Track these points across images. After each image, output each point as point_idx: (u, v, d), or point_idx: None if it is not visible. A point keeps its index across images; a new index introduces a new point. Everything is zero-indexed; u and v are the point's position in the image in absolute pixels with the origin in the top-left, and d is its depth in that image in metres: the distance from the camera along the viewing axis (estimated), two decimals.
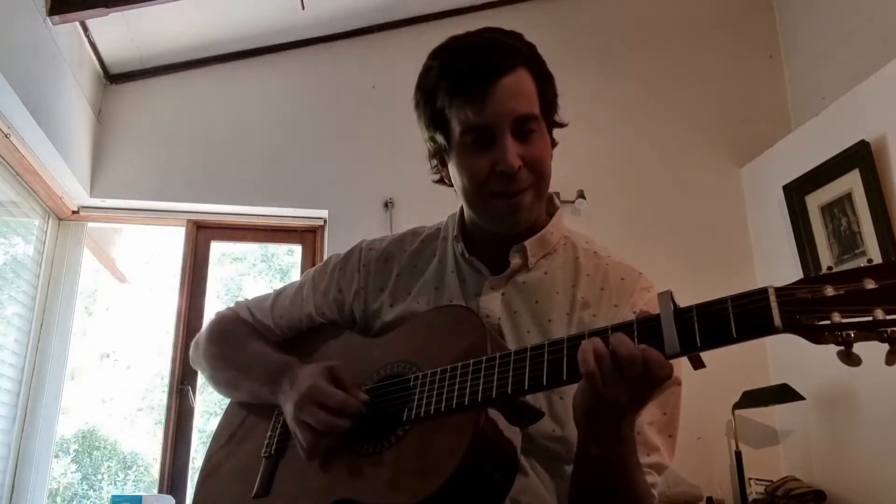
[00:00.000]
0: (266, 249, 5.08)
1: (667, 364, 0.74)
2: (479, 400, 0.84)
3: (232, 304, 1.27)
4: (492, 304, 1.02)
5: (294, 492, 0.98)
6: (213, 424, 1.22)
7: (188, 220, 3.12)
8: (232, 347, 1.18)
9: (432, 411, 0.88)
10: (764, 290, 0.69)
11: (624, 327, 0.78)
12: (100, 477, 4.96)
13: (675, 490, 2.60)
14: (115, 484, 4.89)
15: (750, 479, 2.79)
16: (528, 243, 1.03)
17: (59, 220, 3.00)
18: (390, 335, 1.06)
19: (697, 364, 0.75)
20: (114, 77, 3.08)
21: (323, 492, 0.93)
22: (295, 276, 3.72)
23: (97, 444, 5.00)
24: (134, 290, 4.97)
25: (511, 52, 0.98)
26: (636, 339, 0.76)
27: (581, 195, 3.10)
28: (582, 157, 3.19)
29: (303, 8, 2.88)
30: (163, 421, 2.93)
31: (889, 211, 2.44)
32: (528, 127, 0.96)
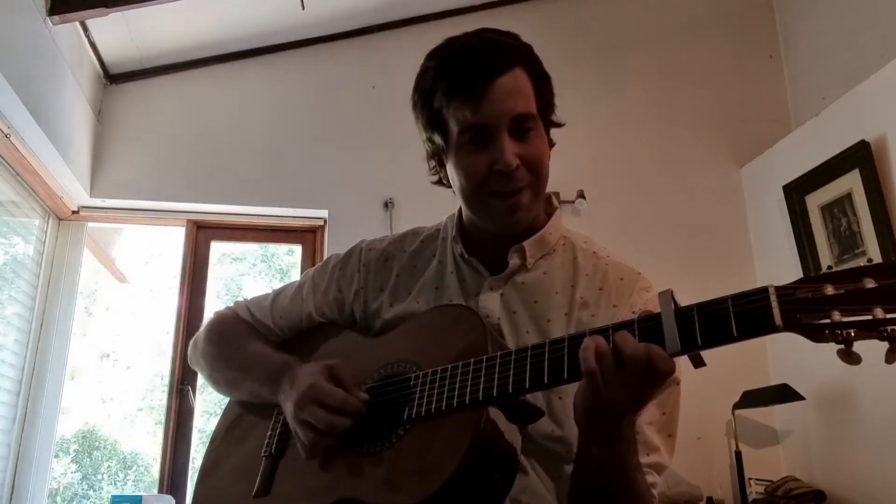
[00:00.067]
0: (266, 249, 5.08)
1: (669, 360, 0.74)
2: (480, 399, 0.85)
3: (231, 304, 1.27)
4: (491, 304, 1.02)
5: (294, 491, 0.98)
6: (213, 424, 1.21)
7: (188, 220, 3.12)
8: (231, 347, 1.17)
9: (433, 410, 0.88)
10: (764, 290, 0.69)
11: (625, 326, 0.78)
12: (100, 477, 4.96)
13: (675, 490, 2.60)
14: (115, 484, 4.89)
15: (750, 479, 2.79)
16: (526, 244, 1.03)
17: (59, 220, 3.00)
18: (390, 335, 1.06)
19: (698, 363, 0.75)
20: (114, 77, 3.08)
21: (323, 491, 0.93)
22: (295, 276, 3.72)
23: (97, 444, 5.00)
24: (134, 290, 4.97)
25: (508, 51, 0.98)
26: (637, 338, 0.76)
27: (581, 195, 3.10)
28: (582, 157, 3.19)
29: (303, 8, 2.89)
30: (163, 421, 2.93)
31: (889, 211, 2.45)
32: (525, 126, 0.97)
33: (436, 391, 0.89)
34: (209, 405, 3.52)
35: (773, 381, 2.89)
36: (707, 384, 2.69)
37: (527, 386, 0.83)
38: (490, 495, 0.86)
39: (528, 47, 1.02)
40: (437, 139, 1.01)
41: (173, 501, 2.60)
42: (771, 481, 2.76)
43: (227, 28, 3.08)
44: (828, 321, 0.66)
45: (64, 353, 2.87)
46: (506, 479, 0.87)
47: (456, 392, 0.87)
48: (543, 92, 1.01)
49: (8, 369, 2.62)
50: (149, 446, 4.84)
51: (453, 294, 1.06)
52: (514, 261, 1.03)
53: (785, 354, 2.96)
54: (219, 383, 1.19)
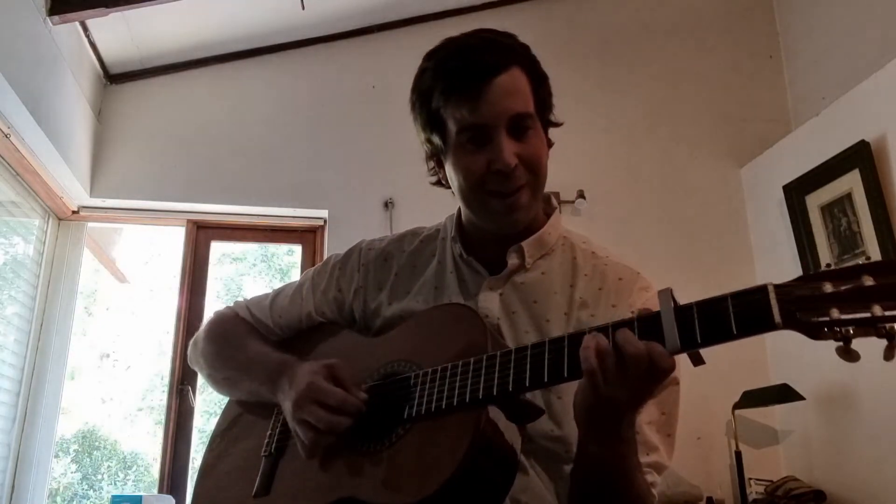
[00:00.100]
0: (266, 249, 5.08)
1: (670, 358, 0.75)
2: (480, 397, 0.85)
3: (231, 304, 1.27)
4: (490, 303, 1.02)
5: (294, 491, 0.98)
6: (213, 424, 1.21)
7: (188, 220, 3.12)
8: (230, 346, 1.18)
9: (433, 409, 0.88)
10: (763, 287, 0.70)
11: (624, 324, 0.78)
12: (100, 477, 4.96)
13: (675, 490, 2.60)
14: (115, 484, 4.89)
15: (750, 479, 2.79)
16: (525, 244, 1.04)
17: (59, 220, 3.00)
18: (390, 334, 1.06)
19: (697, 361, 0.75)
20: (114, 77, 3.08)
21: (323, 490, 0.93)
22: (295, 276, 3.72)
23: (97, 444, 5.00)
24: (134, 290, 4.98)
25: (505, 51, 0.99)
26: (637, 335, 0.76)
27: (581, 195, 3.10)
28: (582, 157, 3.19)
29: (303, 8, 2.89)
30: (163, 421, 2.93)
31: (889, 211, 2.45)
32: (523, 125, 0.97)
33: (436, 390, 0.89)
34: (209, 405, 3.52)
35: (773, 381, 2.89)
36: (707, 384, 2.69)
37: (527, 384, 0.83)
38: (490, 494, 0.86)
39: (526, 47, 1.02)
40: (436, 139, 1.02)
41: (173, 501, 2.60)
42: (771, 481, 2.76)
43: (226, 28, 3.08)
44: (826, 319, 0.66)
45: (64, 353, 2.87)
46: (505, 478, 0.87)
47: (456, 391, 0.87)
48: (541, 91, 1.01)
49: (8, 369, 2.62)
50: (149, 446, 4.84)
51: (453, 294, 1.06)
52: (512, 261, 1.03)
53: (785, 354, 2.96)
54: (218, 383, 1.19)
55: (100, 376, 5.05)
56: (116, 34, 2.85)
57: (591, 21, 3.51)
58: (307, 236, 3.22)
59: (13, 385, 2.66)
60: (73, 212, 3.00)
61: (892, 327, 0.64)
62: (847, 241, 2.64)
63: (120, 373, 5.08)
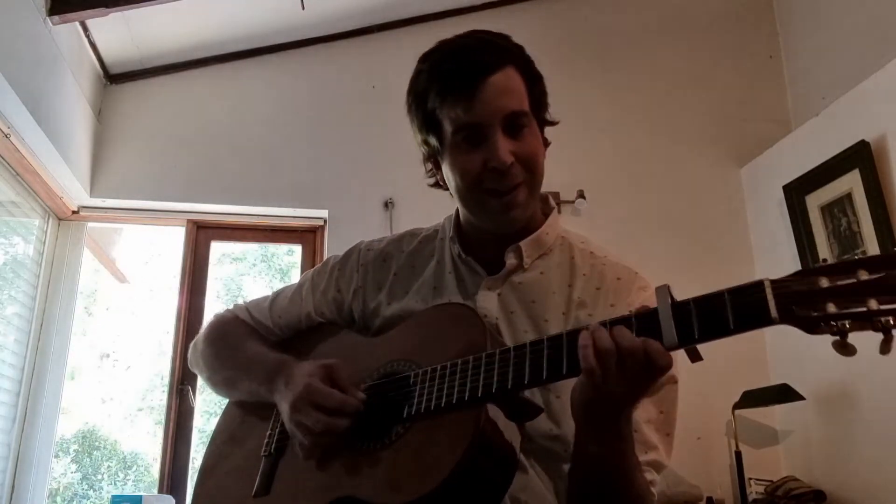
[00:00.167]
0: (266, 249, 5.08)
1: (667, 354, 0.75)
2: (479, 395, 0.85)
3: (231, 305, 1.27)
4: (488, 303, 1.03)
5: (294, 490, 0.98)
6: (213, 424, 1.22)
7: (188, 220, 3.12)
8: (229, 348, 1.18)
9: (432, 407, 0.88)
10: (760, 283, 0.70)
11: (622, 321, 0.79)
12: (100, 477, 4.96)
13: (675, 490, 2.60)
14: (115, 484, 4.89)
15: (750, 479, 2.79)
16: (523, 244, 1.04)
17: (59, 220, 3.00)
18: (390, 333, 1.06)
19: (695, 357, 0.76)
20: (114, 77, 3.08)
21: (323, 490, 0.93)
22: (295, 276, 3.73)
23: (97, 444, 5.00)
24: (134, 290, 4.98)
25: (499, 51, 0.99)
26: (634, 333, 0.77)
27: (581, 195, 3.10)
28: (582, 157, 3.19)
29: (303, 8, 2.89)
30: (163, 421, 2.93)
31: (889, 211, 2.44)
32: (518, 123, 0.98)
33: (435, 389, 0.89)
34: (209, 405, 3.52)
35: (773, 381, 2.89)
36: (707, 384, 2.69)
37: (525, 382, 0.83)
38: (489, 493, 0.86)
39: (520, 47, 1.03)
40: (433, 141, 1.02)
41: (173, 501, 2.60)
42: (771, 481, 2.76)
43: (226, 28, 3.09)
44: (823, 313, 0.67)
45: (64, 353, 2.87)
46: (505, 476, 0.87)
47: (455, 389, 0.87)
48: (536, 90, 1.01)
49: (8, 369, 2.62)
50: (149, 446, 4.84)
51: (451, 294, 1.06)
52: (510, 261, 1.04)
53: (785, 354, 2.96)
54: (217, 384, 1.20)
55: (100, 376, 5.05)
56: (116, 34, 2.85)
57: (591, 21, 3.51)
58: (307, 236, 3.22)
59: (13, 385, 2.66)
60: (73, 212, 3.01)
61: (888, 321, 0.65)
62: (847, 240, 2.64)
63: (120, 373, 5.08)
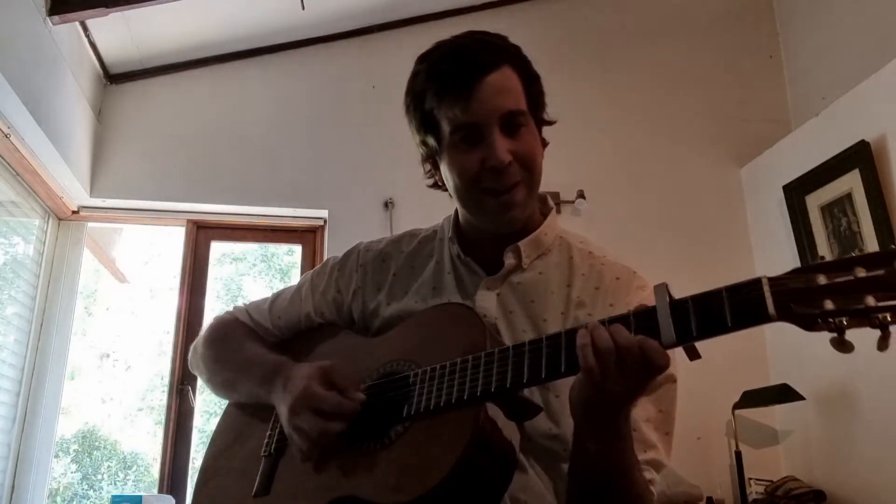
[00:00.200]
0: (266, 249, 5.08)
1: (664, 353, 0.75)
2: (479, 394, 0.85)
3: (231, 306, 1.27)
4: (487, 303, 1.03)
5: (294, 490, 0.98)
6: (213, 424, 1.22)
7: (188, 220, 3.12)
8: (228, 349, 1.18)
9: (431, 407, 0.88)
10: (758, 280, 0.70)
11: (620, 319, 0.79)
12: (100, 477, 4.96)
13: (675, 490, 2.60)
14: (115, 484, 4.89)
15: (750, 479, 2.79)
16: (521, 244, 1.04)
17: (59, 220, 3.00)
18: (389, 334, 1.07)
19: (693, 355, 0.76)
20: (114, 77, 3.08)
21: (322, 489, 0.93)
22: (295, 276, 3.73)
23: (97, 444, 5.00)
24: (134, 290, 4.98)
25: (496, 50, 1.00)
26: (633, 331, 0.77)
27: (581, 195, 3.10)
28: (582, 157, 3.19)
29: (303, 8, 2.89)
30: (163, 421, 2.93)
31: (889, 211, 2.44)
32: (516, 122, 0.98)
33: (434, 388, 0.89)
34: (209, 405, 3.52)
35: (773, 381, 2.89)
36: (707, 384, 2.69)
37: (524, 381, 0.83)
38: (488, 492, 0.86)
39: (517, 47, 1.03)
40: (431, 141, 1.03)
41: (173, 501, 2.60)
42: (771, 481, 2.76)
43: (226, 28, 3.09)
44: (820, 310, 0.67)
45: (64, 353, 2.87)
46: (504, 475, 0.87)
47: (455, 388, 0.87)
48: (533, 90, 1.02)
49: (8, 369, 2.62)
50: (149, 446, 4.84)
51: (450, 294, 1.06)
52: (509, 261, 1.04)
53: (785, 354, 2.96)
54: (217, 386, 1.20)
55: (100, 376, 5.05)
56: (116, 34, 2.85)
57: (591, 21, 3.51)
58: (307, 236, 3.22)
59: (13, 385, 2.66)
60: (73, 212, 3.01)
61: (885, 317, 0.65)
62: (847, 241, 2.64)
63: (120, 373, 5.08)
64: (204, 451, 1.18)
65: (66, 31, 2.58)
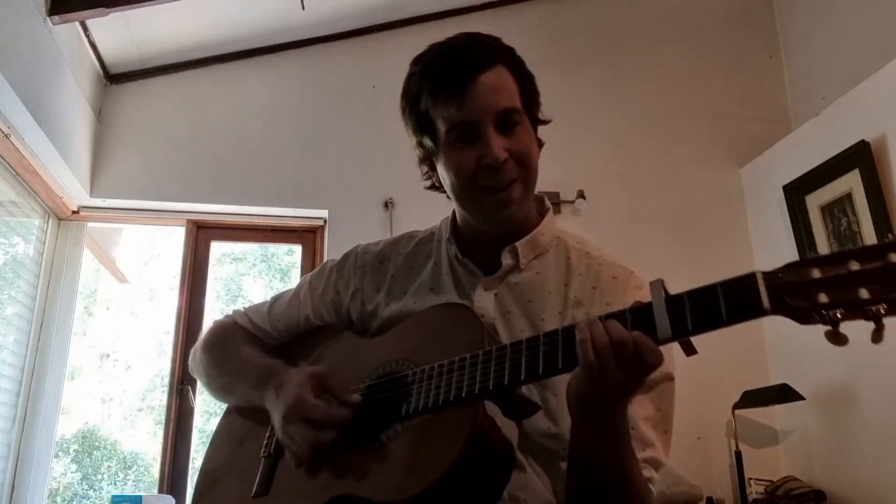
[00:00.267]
0: (266, 249, 5.08)
1: (656, 350, 0.75)
2: (477, 392, 0.85)
3: (231, 307, 1.28)
4: (486, 303, 1.03)
5: (293, 490, 0.98)
6: (213, 424, 1.22)
7: (188, 220, 3.12)
8: (225, 354, 1.19)
9: (430, 405, 0.89)
10: (752, 275, 0.71)
11: (617, 316, 0.79)
12: (100, 477, 4.96)
13: (675, 490, 2.60)
14: (115, 484, 4.89)
15: (750, 479, 2.79)
16: (519, 244, 1.05)
17: (59, 220, 3.00)
18: (388, 334, 1.07)
19: (689, 350, 0.76)
20: (114, 77, 3.08)
21: (321, 489, 0.93)
22: (295, 276, 3.73)
23: (97, 444, 5.00)
24: (134, 290, 4.98)
25: (489, 50, 1.01)
26: (629, 327, 0.77)
27: (581, 195, 3.10)
28: (582, 157, 3.20)
29: (303, 8, 2.89)
30: (163, 421, 2.93)
31: (889, 211, 2.44)
32: (511, 120, 0.99)
33: (432, 386, 0.90)
34: (209, 405, 3.52)
35: (773, 381, 2.89)
36: (707, 384, 2.69)
37: (522, 377, 0.83)
38: (487, 490, 0.86)
39: (510, 48, 1.04)
40: (427, 142, 1.03)
41: (173, 501, 2.60)
42: (771, 481, 2.76)
43: (226, 28, 3.09)
44: (814, 303, 0.68)
45: (64, 353, 2.87)
46: (503, 474, 0.87)
47: (452, 386, 0.87)
48: (527, 89, 1.03)
49: (8, 369, 2.62)
50: (149, 446, 4.84)
51: (449, 294, 1.07)
52: (507, 261, 1.04)
53: (785, 354, 2.96)
54: (215, 390, 1.21)
55: (100, 376, 5.05)
56: (116, 34, 2.85)
57: (591, 21, 3.51)
58: (307, 236, 3.22)
59: (13, 385, 2.66)
60: (73, 212, 3.01)
61: (879, 309, 0.65)
62: (847, 241, 2.64)
63: (120, 373, 5.08)
64: (204, 451, 1.18)
65: (66, 31, 2.58)
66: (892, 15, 2.80)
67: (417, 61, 1.04)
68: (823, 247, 2.74)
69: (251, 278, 5.28)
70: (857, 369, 2.52)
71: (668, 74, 3.47)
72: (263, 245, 4.52)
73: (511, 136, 0.98)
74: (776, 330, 2.97)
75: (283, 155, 3.13)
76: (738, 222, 3.29)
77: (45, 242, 2.91)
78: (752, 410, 2.89)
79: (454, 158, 1.00)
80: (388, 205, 3.08)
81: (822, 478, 2.70)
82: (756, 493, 2.77)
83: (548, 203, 1.12)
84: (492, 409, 0.86)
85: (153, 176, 3.03)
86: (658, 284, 0.78)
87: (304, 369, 1.03)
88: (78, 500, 4.85)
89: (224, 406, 1.24)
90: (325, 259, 3.02)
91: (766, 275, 0.70)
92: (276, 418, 0.99)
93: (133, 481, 4.93)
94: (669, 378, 0.96)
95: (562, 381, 0.85)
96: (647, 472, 0.92)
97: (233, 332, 1.22)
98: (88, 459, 4.95)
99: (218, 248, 3.43)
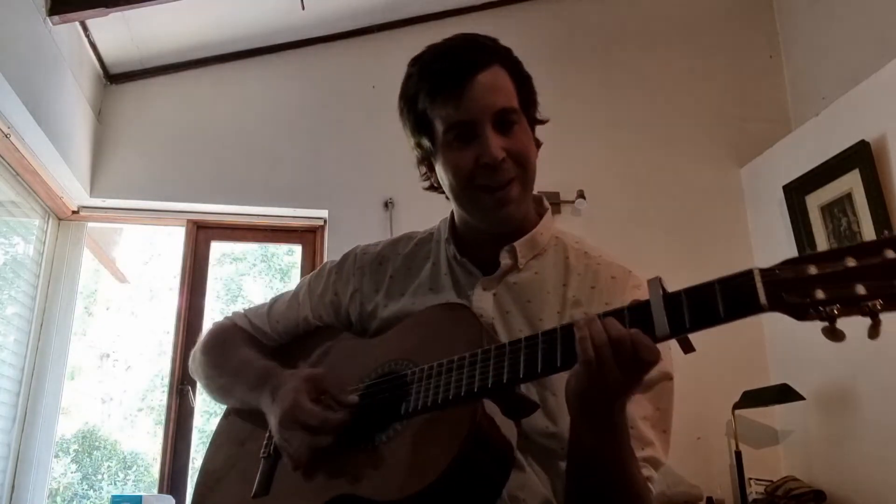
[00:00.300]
0: (266, 249, 5.08)
1: (654, 348, 0.76)
2: (476, 390, 0.85)
3: (231, 307, 1.28)
4: (484, 303, 1.03)
5: (293, 490, 0.98)
6: (213, 424, 1.22)
7: (188, 220, 3.12)
8: (223, 356, 1.19)
9: (429, 404, 0.89)
10: (749, 272, 0.71)
11: (615, 313, 0.80)
12: (100, 477, 4.96)
13: (675, 490, 2.60)
14: (115, 484, 4.89)
15: (750, 479, 2.79)
16: (517, 244, 1.05)
17: (59, 220, 3.00)
18: (387, 334, 1.07)
19: (687, 348, 0.76)
20: (114, 77, 3.08)
21: (321, 489, 0.93)
22: (295, 275, 3.73)
23: (97, 444, 5.00)
24: (134, 290, 4.98)
25: (486, 50, 1.01)
26: (627, 324, 0.78)
27: (581, 195, 3.10)
28: (582, 157, 3.20)
29: (303, 8, 2.89)
30: (163, 421, 2.93)
31: (889, 211, 2.44)
32: (508, 119, 0.99)
33: (432, 385, 0.90)
34: (209, 405, 3.51)
35: (773, 381, 2.89)
36: (707, 384, 2.69)
37: (520, 376, 0.84)
38: (486, 489, 0.87)
39: (507, 49, 1.05)
40: (425, 142, 1.04)
41: (173, 501, 2.60)
42: (771, 481, 2.76)
43: (226, 28, 3.09)
44: (811, 299, 0.68)
45: (64, 353, 2.87)
46: (502, 473, 0.87)
47: (451, 385, 0.88)
48: (524, 89, 1.03)
49: (8, 369, 2.62)
50: (149, 446, 4.84)
51: (447, 295, 1.07)
52: (505, 261, 1.05)
53: (785, 354, 2.96)
54: (214, 392, 1.21)
55: (100, 376, 5.05)
56: (116, 34, 2.85)
57: (592, 21, 3.51)
58: (307, 236, 3.22)
59: (13, 385, 2.66)
60: (73, 212, 3.01)
61: (875, 305, 0.65)
62: (847, 240, 2.64)
63: (120, 373, 5.08)
64: (204, 451, 1.19)
65: (66, 31, 2.58)
66: (892, 15, 2.80)
67: (415, 62, 1.05)
68: (823, 247, 2.73)
69: (251, 278, 5.28)
70: (857, 369, 2.52)
71: (668, 74, 3.47)
72: (263, 245, 4.52)
73: (509, 136, 0.99)
74: (776, 330, 2.97)
75: (283, 155, 3.13)
76: (738, 222, 3.29)
77: (45, 242, 2.91)
78: (752, 410, 2.89)
79: (452, 158, 1.00)
80: (388, 205, 3.08)
81: (822, 478, 2.70)
82: (756, 493, 2.77)
83: (546, 203, 1.12)
84: (491, 408, 0.86)
85: (153, 176, 3.03)
86: (656, 282, 0.78)
87: (299, 372, 1.03)
88: (78, 500, 4.85)
89: (224, 406, 1.24)
90: (325, 259, 3.02)
91: (763, 271, 0.71)
92: (273, 423, 0.99)
93: (133, 481, 4.93)
94: (668, 377, 0.97)
95: (560, 381, 0.85)
96: (647, 471, 0.92)
97: (232, 334, 1.22)
98: (88, 459, 4.95)
99: (218, 248, 3.43)
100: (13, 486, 2.63)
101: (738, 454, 2.79)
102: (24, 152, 2.46)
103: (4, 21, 2.14)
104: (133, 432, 5.05)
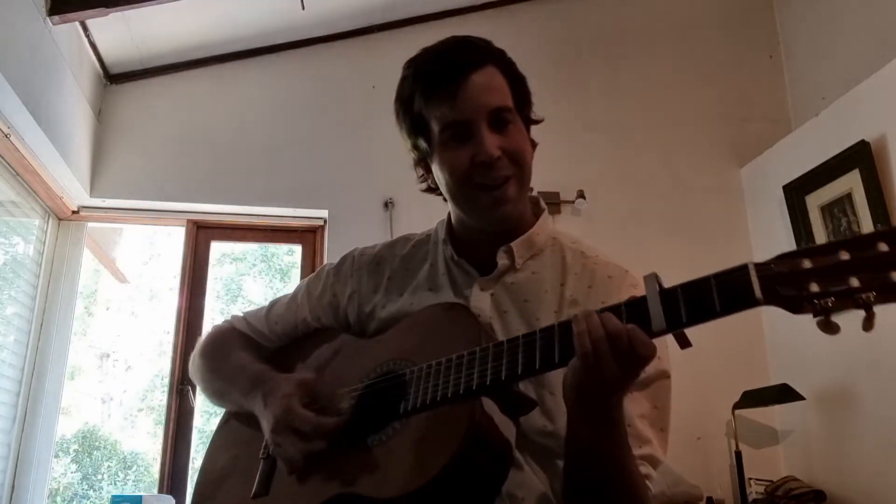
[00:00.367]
0: (266, 249, 5.08)
1: (649, 343, 0.76)
2: (474, 388, 0.85)
3: (231, 307, 1.29)
4: (482, 303, 1.04)
5: (292, 490, 0.98)
6: (213, 424, 1.23)
7: (188, 220, 3.12)
8: (220, 360, 1.20)
9: (428, 402, 0.89)
10: (744, 266, 0.72)
11: (612, 309, 0.80)
12: (100, 477, 4.96)
13: (675, 490, 2.60)
14: (115, 484, 4.89)
15: (750, 479, 2.79)
16: (514, 244, 1.05)
17: (59, 220, 3.00)
18: (385, 335, 1.07)
19: (684, 343, 0.77)
20: (114, 77, 3.08)
21: (321, 488, 0.93)
22: (295, 276, 3.73)
23: (97, 444, 5.00)
24: (134, 290, 4.98)
25: (480, 51, 1.02)
26: (624, 320, 0.78)
27: (581, 195, 3.10)
28: (582, 157, 3.19)
29: (303, 8, 2.89)
30: (163, 421, 2.93)
31: (889, 211, 2.44)
32: (503, 118, 1.00)
33: (430, 384, 0.90)
34: (209, 405, 3.50)
35: (773, 381, 2.89)
36: (707, 384, 2.69)
37: (519, 373, 0.84)
38: (485, 487, 0.87)
39: (501, 50, 1.05)
40: (422, 143, 1.04)
41: (173, 501, 2.60)
42: (771, 481, 2.76)
43: (226, 28, 3.09)
44: (806, 293, 0.69)
45: (64, 353, 2.87)
46: (500, 471, 0.87)
47: (450, 383, 0.88)
48: (519, 89, 1.04)
49: (8, 369, 2.63)
50: (149, 446, 4.85)
51: (445, 295, 1.07)
52: (502, 261, 1.05)
53: (785, 354, 2.96)
54: (211, 395, 1.22)
55: (100, 376, 5.06)
56: (116, 34, 2.85)
57: (591, 21, 3.51)
58: (307, 236, 3.22)
59: (13, 385, 2.66)
60: (73, 212, 3.01)
61: (869, 297, 0.66)
62: None
63: (120, 373, 5.09)
64: (203, 451, 1.19)
65: (66, 31, 2.58)
66: (892, 15, 2.80)
67: (410, 65, 1.05)
68: None
69: (251, 278, 5.28)
70: (857, 369, 2.52)
71: (668, 74, 3.47)
72: (263, 245, 4.52)
73: (504, 135, 0.99)
74: (776, 330, 2.97)
75: (283, 155, 3.13)
76: (739, 222, 3.29)
77: (45, 242, 2.91)
78: (752, 410, 2.89)
79: (448, 158, 1.00)
80: (388, 205, 3.08)
81: (822, 478, 2.70)
82: (756, 493, 2.77)
83: (543, 204, 1.13)
84: (489, 407, 0.86)
85: (153, 176, 3.03)
86: (652, 278, 0.79)
87: (291, 378, 1.04)
88: (78, 500, 4.85)
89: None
90: (325, 259, 3.03)
91: (758, 266, 0.71)
92: (265, 427, 1.00)
93: (133, 481, 4.93)
94: (665, 375, 0.97)
95: (558, 380, 0.86)
96: (644, 469, 0.92)
97: (229, 337, 1.23)
98: (88, 459, 4.95)
99: (218, 248, 3.44)
100: (13, 486, 2.63)
101: (738, 454, 2.79)
102: (24, 152, 2.47)
103: (4, 21, 2.14)
104: (133, 432, 5.06)
